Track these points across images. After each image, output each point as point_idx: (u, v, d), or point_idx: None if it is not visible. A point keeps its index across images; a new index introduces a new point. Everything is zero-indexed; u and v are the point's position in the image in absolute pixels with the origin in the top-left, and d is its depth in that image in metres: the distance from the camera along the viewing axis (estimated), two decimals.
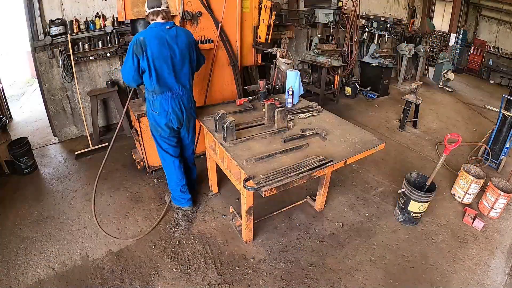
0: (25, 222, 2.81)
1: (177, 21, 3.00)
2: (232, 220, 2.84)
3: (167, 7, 2.36)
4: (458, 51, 9.00)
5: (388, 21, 6.02)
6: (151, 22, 2.36)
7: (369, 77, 6.61)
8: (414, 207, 2.78)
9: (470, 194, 3.19)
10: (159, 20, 2.33)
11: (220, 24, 3.21)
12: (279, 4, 4.05)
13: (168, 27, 2.32)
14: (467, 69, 9.56)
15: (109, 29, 3.98)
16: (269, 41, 3.72)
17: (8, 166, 3.47)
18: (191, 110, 2.60)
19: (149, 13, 2.31)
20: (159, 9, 2.29)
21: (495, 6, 8.78)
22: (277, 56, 3.02)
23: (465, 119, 5.68)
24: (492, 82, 8.75)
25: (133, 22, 3.01)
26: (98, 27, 3.97)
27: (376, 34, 6.36)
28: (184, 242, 2.64)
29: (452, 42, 8.55)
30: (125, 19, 2.84)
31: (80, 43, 3.92)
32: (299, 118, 2.71)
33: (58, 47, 3.83)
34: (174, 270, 2.39)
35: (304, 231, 2.79)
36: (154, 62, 2.26)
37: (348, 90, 6.39)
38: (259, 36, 3.64)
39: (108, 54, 4.13)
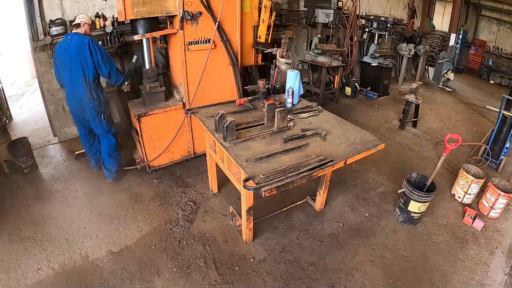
0: (25, 222, 2.81)
1: (177, 21, 3.01)
2: (232, 220, 2.84)
3: None
4: (458, 51, 9.01)
5: (388, 21, 6.02)
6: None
7: (369, 77, 6.61)
8: (414, 207, 2.78)
9: (470, 194, 3.19)
10: None
11: (220, 24, 3.21)
12: (279, 4, 4.05)
13: None
14: (467, 69, 9.56)
15: (109, 29, 3.97)
16: (269, 41, 3.73)
17: (8, 166, 3.47)
18: None
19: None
20: None
21: (495, 6, 8.79)
22: (277, 56, 3.02)
23: (465, 119, 5.68)
24: (492, 82, 8.76)
25: (133, 22, 3.01)
26: (98, 27, 3.97)
27: (376, 34, 6.36)
28: (184, 242, 2.64)
29: (452, 42, 8.55)
30: (125, 19, 2.84)
31: None
32: (299, 118, 2.71)
33: None
34: (174, 270, 2.39)
35: (304, 231, 2.79)
36: None
37: (348, 90, 6.39)
38: (259, 36, 3.64)
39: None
